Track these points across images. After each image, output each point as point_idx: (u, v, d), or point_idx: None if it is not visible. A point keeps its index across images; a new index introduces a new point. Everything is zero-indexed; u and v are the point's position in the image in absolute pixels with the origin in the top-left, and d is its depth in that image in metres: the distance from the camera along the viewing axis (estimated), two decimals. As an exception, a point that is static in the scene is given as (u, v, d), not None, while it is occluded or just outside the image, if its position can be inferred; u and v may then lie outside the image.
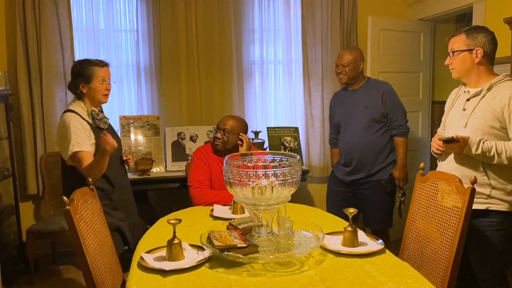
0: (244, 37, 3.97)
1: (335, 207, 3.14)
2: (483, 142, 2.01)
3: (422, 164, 2.16)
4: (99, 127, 2.43)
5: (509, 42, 2.64)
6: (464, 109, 2.15)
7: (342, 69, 3.03)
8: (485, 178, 2.05)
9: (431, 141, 2.30)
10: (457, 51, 2.13)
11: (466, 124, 2.11)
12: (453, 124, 2.21)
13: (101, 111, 2.53)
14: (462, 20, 4.32)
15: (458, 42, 2.14)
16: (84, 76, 2.39)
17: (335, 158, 3.30)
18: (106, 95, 2.48)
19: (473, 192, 1.78)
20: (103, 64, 2.45)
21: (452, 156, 2.17)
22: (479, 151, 2.01)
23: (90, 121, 2.41)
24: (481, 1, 3.28)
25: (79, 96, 2.45)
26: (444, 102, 2.39)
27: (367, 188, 3.06)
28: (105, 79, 2.44)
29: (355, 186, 3.10)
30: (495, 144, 2.00)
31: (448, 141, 2.07)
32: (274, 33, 4.07)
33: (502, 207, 2.05)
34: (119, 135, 3.00)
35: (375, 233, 3.05)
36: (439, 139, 2.16)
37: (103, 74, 2.43)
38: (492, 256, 2.10)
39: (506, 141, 2.02)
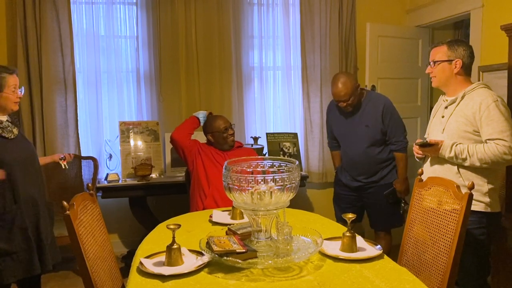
0: (244, 43, 3.99)
1: (341, 210, 3.22)
2: (456, 145, 2.15)
3: (420, 170, 2.21)
4: (3, 136, 2.24)
5: (506, 49, 2.66)
6: (442, 116, 2.29)
7: (346, 104, 2.96)
8: (460, 179, 2.15)
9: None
10: (438, 61, 2.27)
11: (444, 129, 2.25)
12: (433, 130, 2.36)
13: (9, 120, 2.34)
14: (460, 27, 4.35)
15: (440, 52, 2.27)
16: None
17: (337, 161, 3.33)
18: (17, 103, 2.33)
19: (470, 197, 1.80)
20: (11, 71, 2.30)
21: (429, 159, 2.33)
22: (452, 153, 2.15)
23: None
24: (479, 9, 3.31)
25: None
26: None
27: (373, 192, 3.08)
28: (16, 87, 2.30)
29: (361, 190, 3.13)
30: (467, 147, 2.13)
31: (423, 145, 2.24)
32: (273, 39, 4.10)
33: (478, 207, 2.14)
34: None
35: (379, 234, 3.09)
36: (415, 144, 2.31)
37: (14, 82, 2.29)
38: (471, 256, 2.14)
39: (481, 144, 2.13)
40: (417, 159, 2.45)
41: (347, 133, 3.12)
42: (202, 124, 3.15)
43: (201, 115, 3.17)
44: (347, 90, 2.91)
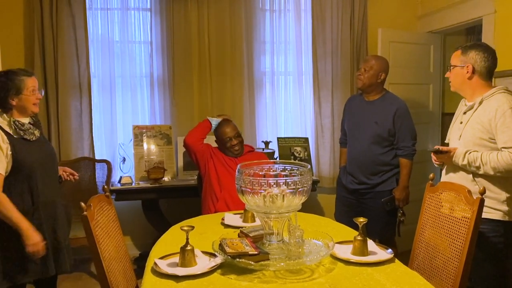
0: (255, 48, 4.03)
1: (339, 211, 3.25)
2: (469, 153, 2.12)
3: (431, 175, 2.20)
4: (24, 138, 2.25)
5: (518, 54, 2.66)
6: (461, 122, 2.26)
7: (362, 73, 3.03)
8: (476, 187, 2.09)
9: None
10: (452, 65, 2.27)
11: (460, 136, 2.22)
12: (453, 136, 2.33)
13: (31, 123, 2.35)
14: (472, 33, 4.34)
15: (455, 57, 2.27)
16: (14, 88, 2.25)
17: (343, 159, 3.32)
18: (36, 104, 2.34)
19: (482, 202, 1.80)
20: (29, 73, 2.33)
21: (446, 166, 2.31)
22: (465, 161, 2.13)
23: (11, 132, 2.22)
24: (491, 14, 3.30)
25: (5, 110, 2.27)
26: (454, 114, 2.43)
27: (369, 198, 3.06)
28: (35, 89, 2.32)
29: (358, 194, 3.12)
30: (481, 155, 2.09)
31: (437, 152, 2.23)
32: (285, 45, 4.13)
33: (495, 215, 2.11)
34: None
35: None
36: (429, 150, 2.32)
37: (33, 84, 2.31)
38: (488, 264, 2.12)
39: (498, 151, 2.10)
40: (435, 165, 2.41)
41: (356, 127, 3.13)
42: (213, 130, 3.20)
43: (214, 122, 3.21)
44: (374, 62, 3.02)
